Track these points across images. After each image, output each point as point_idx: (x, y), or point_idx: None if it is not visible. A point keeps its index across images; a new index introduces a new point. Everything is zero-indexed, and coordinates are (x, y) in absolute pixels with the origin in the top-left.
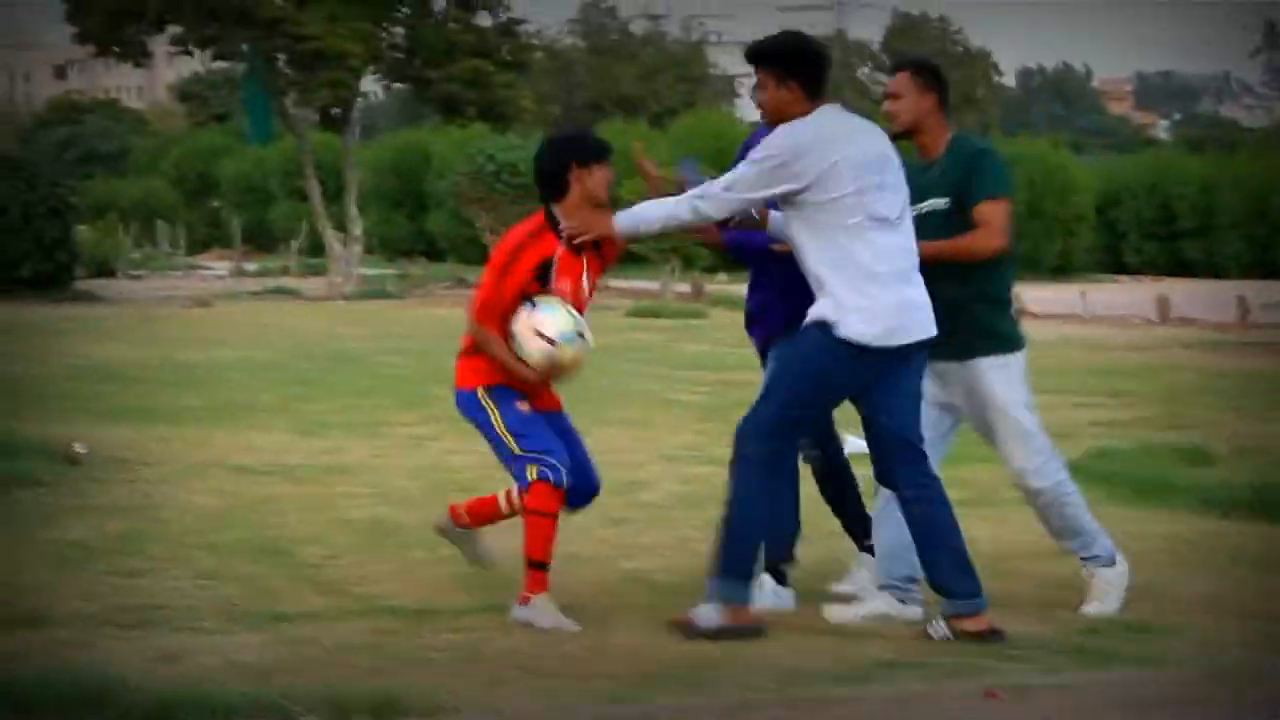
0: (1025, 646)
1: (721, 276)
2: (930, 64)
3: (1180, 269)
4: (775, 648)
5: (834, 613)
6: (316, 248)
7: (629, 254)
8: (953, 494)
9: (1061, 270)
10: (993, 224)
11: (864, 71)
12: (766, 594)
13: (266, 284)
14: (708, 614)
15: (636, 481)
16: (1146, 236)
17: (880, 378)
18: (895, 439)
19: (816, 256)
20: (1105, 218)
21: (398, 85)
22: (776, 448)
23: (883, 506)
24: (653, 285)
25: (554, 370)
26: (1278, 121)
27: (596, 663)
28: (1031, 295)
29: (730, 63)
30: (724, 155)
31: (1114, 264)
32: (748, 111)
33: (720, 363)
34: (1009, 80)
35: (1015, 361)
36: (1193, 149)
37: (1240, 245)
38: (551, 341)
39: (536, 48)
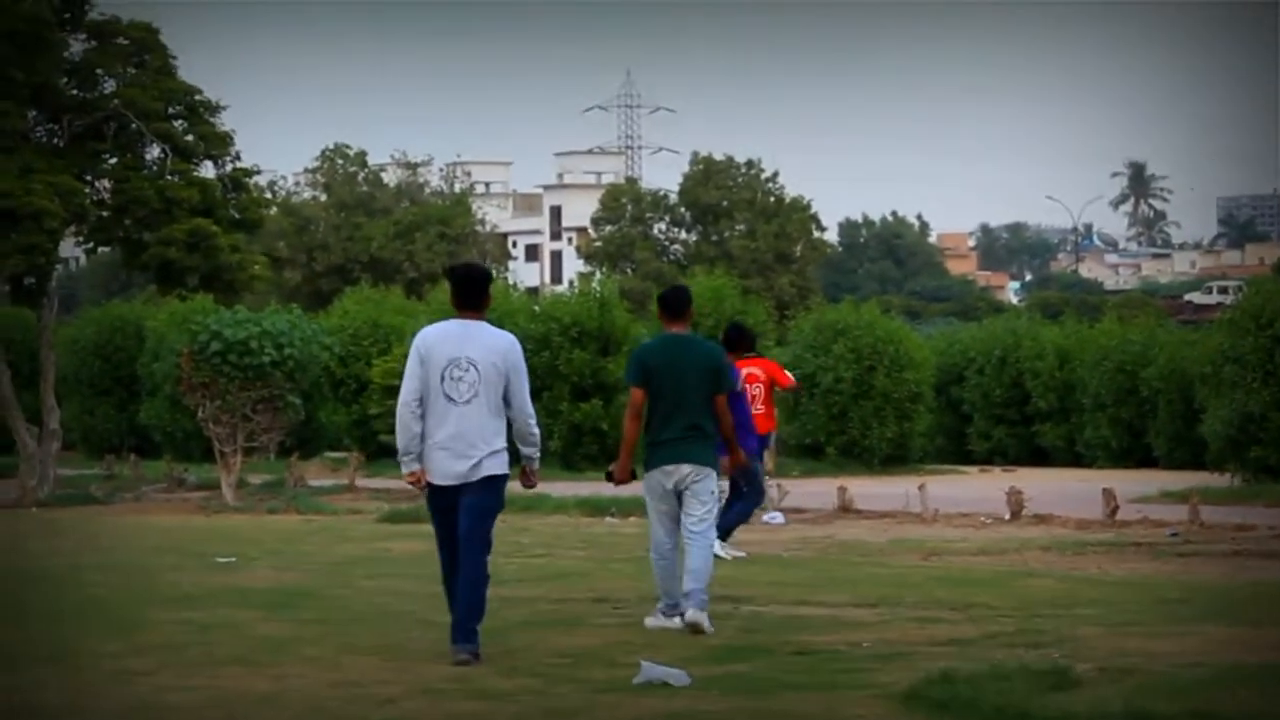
0: None
1: None
2: None
3: (1036, 458)
4: None
5: None
6: (5, 444)
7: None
8: None
9: (896, 460)
10: None
11: (660, 228)
12: None
13: None
14: None
15: None
16: (994, 420)
17: None
18: None
19: None
20: (946, 397)
21: (104, 249)
22: None
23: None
24: None
25: None
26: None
27: None
28: (859, 489)
29: (501, 217)
30: (496, 324)
31: (958, 451)
32: (524, 273)
33: None
34: (831, 235)
35: None
36: (1048, 315)
37: (1107, 431)
38: None
39: (270, 202)
